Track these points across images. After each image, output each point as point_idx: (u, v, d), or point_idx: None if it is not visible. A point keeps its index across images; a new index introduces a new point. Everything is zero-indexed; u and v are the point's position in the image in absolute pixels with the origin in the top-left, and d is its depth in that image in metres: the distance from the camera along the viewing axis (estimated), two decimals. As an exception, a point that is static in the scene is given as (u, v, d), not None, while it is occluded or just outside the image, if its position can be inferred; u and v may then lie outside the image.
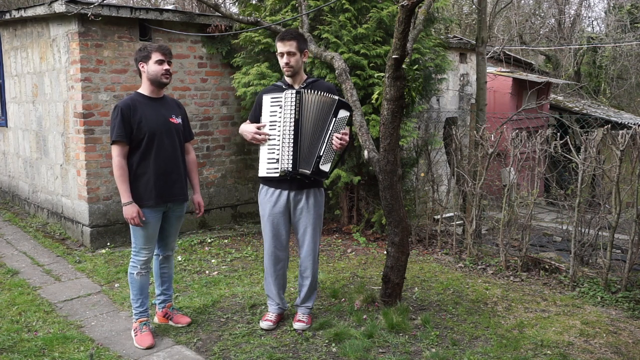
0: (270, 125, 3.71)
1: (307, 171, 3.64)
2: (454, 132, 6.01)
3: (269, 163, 3.70)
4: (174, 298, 4.44)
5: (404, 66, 3.90)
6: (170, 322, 3.97)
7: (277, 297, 3.99)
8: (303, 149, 3.64)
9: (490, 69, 11.43)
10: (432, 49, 6.41)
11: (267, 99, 3.74)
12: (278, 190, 3.76)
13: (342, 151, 3.78)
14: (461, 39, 10.81)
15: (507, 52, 13.84)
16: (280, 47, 3.66)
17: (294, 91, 3.64)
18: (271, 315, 3.98)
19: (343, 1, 5.77)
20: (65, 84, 6.07)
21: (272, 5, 6.17)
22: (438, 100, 9.67)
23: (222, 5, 10.12)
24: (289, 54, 3.64)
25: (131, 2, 15.81)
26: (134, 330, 3.75)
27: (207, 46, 6.63)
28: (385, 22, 5.90)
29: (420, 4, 4.47)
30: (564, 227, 5.96)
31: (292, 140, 3.62)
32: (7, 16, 6.93)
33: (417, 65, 5.44)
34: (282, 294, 4.03)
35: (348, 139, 3.69)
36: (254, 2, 6.87)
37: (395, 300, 4.20)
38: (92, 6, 5.34)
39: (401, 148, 6.36)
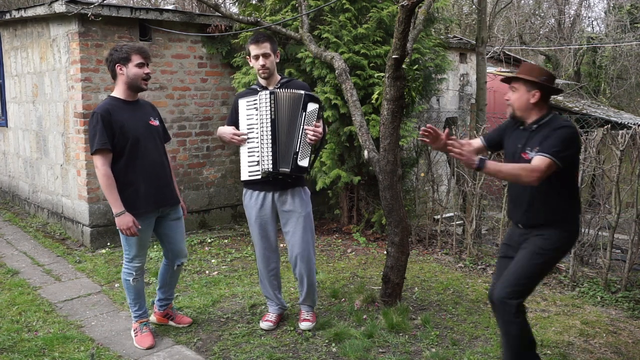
0: (248, 129, 3.70)
1: (287, 169, 3.62)
2: (454, 132, 6.01)
3: (250, 166, 3.70)
4: (174, 298, 4.44)
5: (404, 66, 3.91)
6: (171, 323, 3.96)
7: (275, 298, 3.99)
8: (281, 148, 3.63)
9: (490, 69, 11.43)
10: (432, 49, 6.41)
11: (242, 103, 3.73)
12: (262, 193, 3.75)
13: (318, 144, 3.76)
14: (461, 39, 10.81)
15: (507, 52, 13.83)
16: (255, 49, 3.64)
17: (267, 92, 3.63)
18: (271, 315, 3.98)
19: (343, 1, 5.77)
20: (65, 84, 6.07)
21: (272, 5, 6.17)
22: (438, 100, 9.67)
23: (222, 5, 10.11)
24: (265, 55, 3.63)
25: (131, 2, 15.81)
26: (134, 330, 3.74)
27: (207, 46, 6.63)
28: (385, 22, 5.90)
29: (420, 4, 4.47)
30: (564, 227, 5.94)
31: (270, 141, 3.62)
32: (7, 16, 6.93)
33: (417, 65, 5.44)
34: (279, 294, 4.03)
35: (322, 131, 3.66)
36: (254, 2, 6.87)
37: (395, 300, 4.20)
38: (92, 6, 5.34)
39: (401, 148, 6.36)
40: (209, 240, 6.22)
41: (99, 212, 5.93)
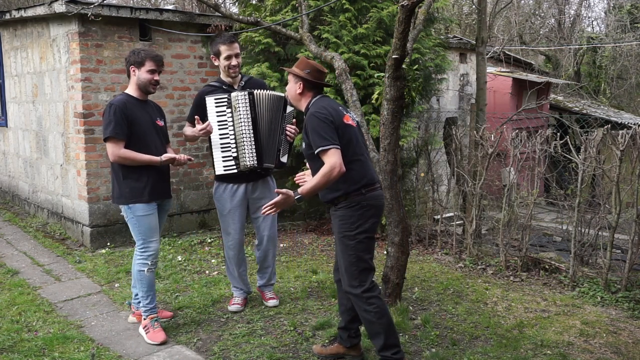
0: (219, 125, 3.89)
1: (272, 165, 3.95)
2: (454, 132, 6.01)
3: (224, 161, 3.92)
4: (174, 298, 4.45)
5: (404, 66, 3.91)
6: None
7: (243, 284, 4.24)
8: (264, 145, 3.90)
9: (490, 69, 11.43)
10: (432, 49, 6.41)
11: (210, 101, 3.91)
12: (236, 185, 4.01)
13: (292, 142, 4.09)
14: (461, 39, 10.80)
15: (507, 52, 13.83)
16: (228, 50, 3.91)
17: (245, 92, 3.87)
18: (238, 299, 4.23)
19: (343, 1, 5.77)
20: (65, 84, 6.07)
21: (272, 5, 6.17)
22: (438, 100, 9.66)
23: (222, 5, 10.11)
24: (236, 55, 3.93)
25: (131, 2, 15.82)
26: (145, 327, 3.75)
27: (207, 46, 6.63)
28: (385, 22, 5.90)
29: (420, 4, 4.47)
30: (564, 227, 5.96)
31: (252, 138, 3.85)
32: (7, 16, 6.93)
33: (417, 65, 5.45)
34: (247, 277, 4.31)
35: (297, 130, 3.97)
36: (254, 2, 6.87)
37: (395, 300, 4.20)
38: (92, 6, 5.34)
39: (401, 148, 6.36)
40: (209, 240, 6.21)
41: (99, 212, 5.93)
